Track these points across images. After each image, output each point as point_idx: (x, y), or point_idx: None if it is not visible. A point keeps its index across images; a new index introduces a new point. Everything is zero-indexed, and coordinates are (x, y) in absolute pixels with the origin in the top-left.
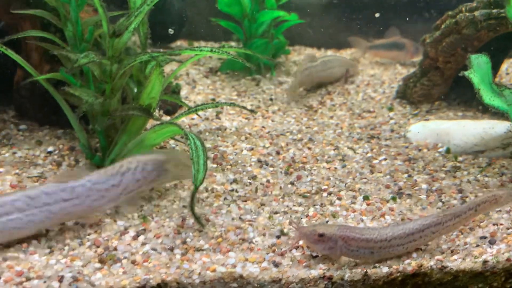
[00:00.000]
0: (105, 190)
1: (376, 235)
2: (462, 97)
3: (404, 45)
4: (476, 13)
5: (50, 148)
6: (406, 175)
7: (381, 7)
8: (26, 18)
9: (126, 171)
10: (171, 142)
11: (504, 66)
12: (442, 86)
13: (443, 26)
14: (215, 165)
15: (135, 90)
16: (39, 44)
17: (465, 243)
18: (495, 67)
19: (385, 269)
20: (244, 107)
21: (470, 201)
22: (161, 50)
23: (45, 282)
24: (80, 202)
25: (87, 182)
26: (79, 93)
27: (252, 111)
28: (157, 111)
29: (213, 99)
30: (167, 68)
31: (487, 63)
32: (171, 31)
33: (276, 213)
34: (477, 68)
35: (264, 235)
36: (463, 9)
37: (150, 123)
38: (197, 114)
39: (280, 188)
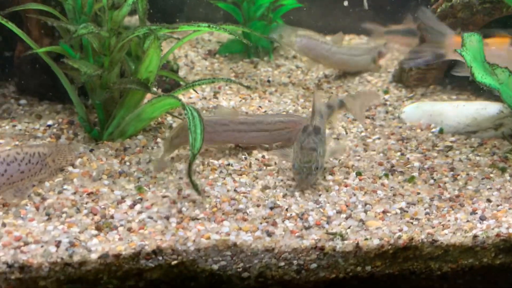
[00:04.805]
0: None
1: None
2: (456, 82)
3: (418, 33)
4: None
5: (50, 122)
6: (399, 154)
7: None
8: None
9: (12, 161)
10: (169, 118)
11: None
12: (437, 71)
13: (438, 9)
14: None
15: (133, 66)
16: (39, 17)
17: (456, 219)
18: None
19: (376, 241)
20: (241, 83)
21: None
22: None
23: (42, 246)
24: None
25: None
26: (78, 65)
27: (248, 87)
28: (155, 88)
29: None
30: (166, 48)
31: (479, 41)
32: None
33: (268, 188)
34: (470, 46)
35: (258, 206)
36: None
37: (149, 98)
38: (194, 91)
39: (275, 163)
